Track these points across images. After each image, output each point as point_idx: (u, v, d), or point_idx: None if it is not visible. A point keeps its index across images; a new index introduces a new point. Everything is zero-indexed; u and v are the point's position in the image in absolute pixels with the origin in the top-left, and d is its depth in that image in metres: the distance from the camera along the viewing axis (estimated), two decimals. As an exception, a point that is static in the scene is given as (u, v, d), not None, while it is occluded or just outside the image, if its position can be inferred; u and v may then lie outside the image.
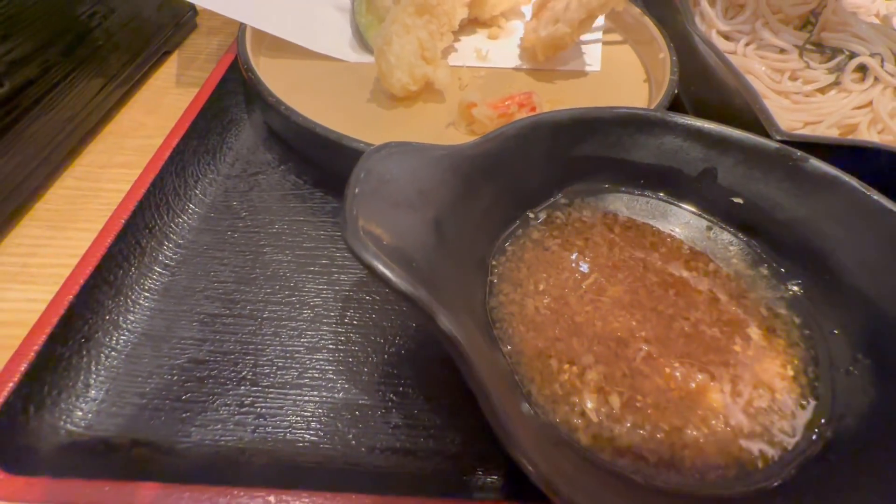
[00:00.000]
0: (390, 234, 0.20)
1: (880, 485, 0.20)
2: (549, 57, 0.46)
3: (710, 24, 0.49)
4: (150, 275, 0.32)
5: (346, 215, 0.19)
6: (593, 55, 0.49)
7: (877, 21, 0.48)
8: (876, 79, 0.41)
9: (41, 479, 0.22)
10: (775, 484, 0.21)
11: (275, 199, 0.38)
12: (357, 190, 0.20)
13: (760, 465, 0.22)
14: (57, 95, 0.39)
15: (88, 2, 0.42)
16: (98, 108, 0.44)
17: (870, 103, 0.40)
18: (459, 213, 0.25)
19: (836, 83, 0.42)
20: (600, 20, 0.52)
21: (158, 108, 0.49)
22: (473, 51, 0.50)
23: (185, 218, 0.36)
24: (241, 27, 0.44)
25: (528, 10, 0.56)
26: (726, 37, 0.49)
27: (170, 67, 0.54)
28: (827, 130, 0.40)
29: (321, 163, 0.40)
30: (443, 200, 0.24)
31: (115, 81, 0.46)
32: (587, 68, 0.48)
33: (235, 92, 0.46)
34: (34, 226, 0.38)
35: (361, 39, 0.48)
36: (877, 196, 0.25)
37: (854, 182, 0.26)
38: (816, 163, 0.27)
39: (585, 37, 0.51)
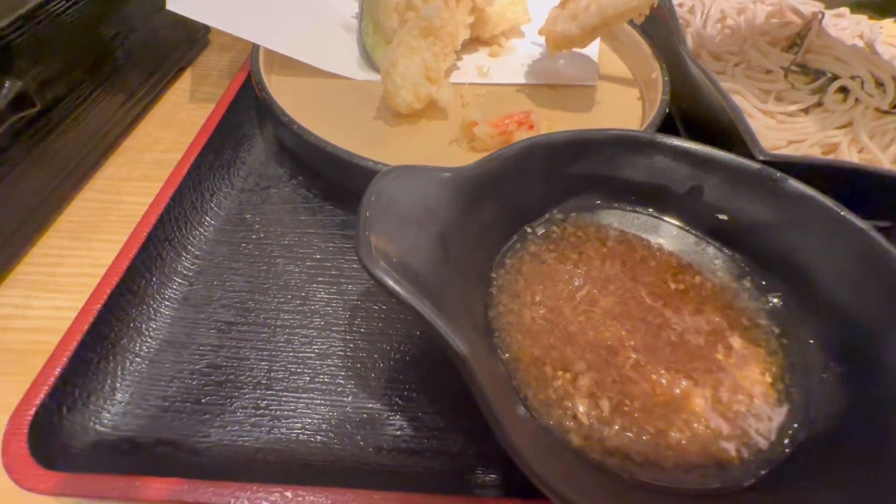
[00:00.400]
0: (400, 251, 0.22)
1: (848, 484, 0.22)
2: (557, 49, 0.47)
3: (701, 45, 0.51)
4: (170, 284, 0.34)
5: (359, 236, 0.21)
6: (590, 70, 0.52)
7: (861, 42, 0.50)
8: (857, 100, 0.44)
9: (74, 475, 0.24)
10: (751, 482, 0.23)
11: (286, 211, 0.40)
12: (368, 213, 0.22)
13: (737, 464, 0.23)
14: (82, 112, 0.42)
15: (113, 23, 0.45)
16: (118, 123, 0.47)
17: (850, 123, 0.42)
18: (463, 229, 0.27)
19: (819, 104, 0.44)
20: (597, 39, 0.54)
21: (173, 123, 0.51)
22: (475, 68, 0.52)
23: (202, 230, 0.38)
24: (254, 48, 0.46)
25: (527, 28, 0.58)
26: (716, 57, 0.51)
27: (184, 84, 0.56)
28: (809, 149, 0.42)
29: (330, 177, 0.42)
30: (447, 218, 0.26)
31: (134, 97, 0.48)
32: (584, 83, 0.50)
33: (248, 108, 0.48)
34: (58, 236, 0.40)
35: (368, 59, 0.51)
36: (848, 214, 0.27)
37: (828, 201, 0.28)
38: (794, 183, 0.29)
39: (583, 53, 0.53)
